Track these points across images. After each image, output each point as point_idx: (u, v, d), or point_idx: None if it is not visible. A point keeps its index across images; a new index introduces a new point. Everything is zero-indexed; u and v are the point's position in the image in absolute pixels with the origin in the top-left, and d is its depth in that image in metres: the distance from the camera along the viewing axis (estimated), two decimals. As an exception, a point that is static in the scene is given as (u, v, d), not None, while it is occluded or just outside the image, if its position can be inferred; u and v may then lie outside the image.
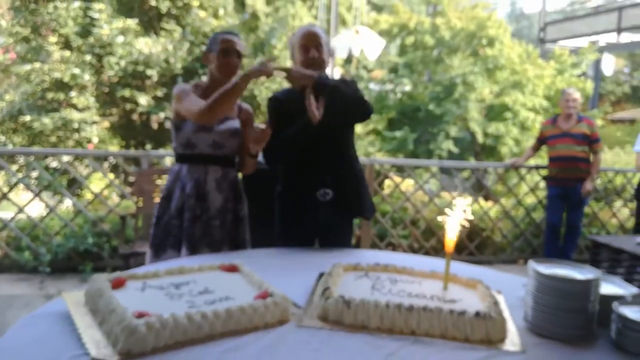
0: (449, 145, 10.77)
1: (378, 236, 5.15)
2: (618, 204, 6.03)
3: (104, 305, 1.26)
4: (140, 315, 1.19)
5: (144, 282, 1.47)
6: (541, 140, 4.95)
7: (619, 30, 16.20)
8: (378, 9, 17.69)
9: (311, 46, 2.24)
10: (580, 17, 19.11)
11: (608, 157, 11.41)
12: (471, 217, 1.52)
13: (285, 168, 2.39)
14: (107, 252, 4.46)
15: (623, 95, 23.87)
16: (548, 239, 4.99)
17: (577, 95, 4.72)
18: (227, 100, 2.06)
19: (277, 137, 2.22)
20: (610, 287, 1.50)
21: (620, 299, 1.38)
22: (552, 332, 1.33)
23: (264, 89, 7.50)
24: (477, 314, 1.30)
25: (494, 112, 10.95)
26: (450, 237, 1.50)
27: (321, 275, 1.68)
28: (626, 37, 16.45)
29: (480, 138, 10.78)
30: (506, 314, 1.45)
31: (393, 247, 5.14)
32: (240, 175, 2.41)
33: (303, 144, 2.23)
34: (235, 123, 2.30)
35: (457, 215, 1.49)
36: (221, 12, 7.98)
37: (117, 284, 1.41)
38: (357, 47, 8.17)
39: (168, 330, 1.17)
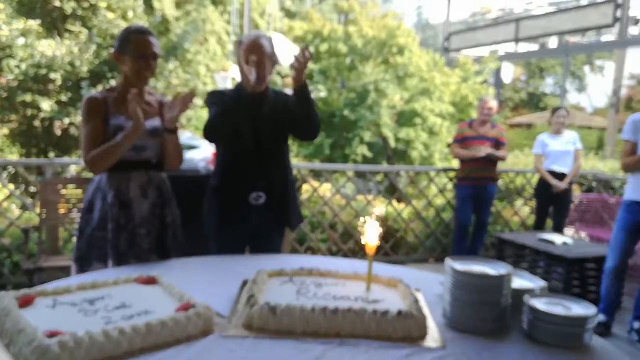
0: (363, 150, 11.04)
1: (298, 241, 5.16)
2: (519, 203, 6.45)
3: (11, 325, 1.18)
4: (52, 335, 1.12)
5: (54, 299, 1.38)
6: (459, 141, 5.17)
7: (517, 40, 17.42)
8: (291, 15, 17.83)
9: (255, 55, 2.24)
10: (481, 28, 20.36)
11: (508, 160, 12.17)
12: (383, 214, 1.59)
13: (223, 162, 2.37)
14: (8, 268, 4.14)
15: (521, 101, 25.70)
16: (458, 237, 5.24)
17: (493, 103, 5.05)
18: (110, 159, 2.01)
19: (216, 112, 2.22)
20: (520, 281, 1.60)
21: (530, 292, 1.48)
22: (470, 326, 1.39)
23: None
24: (400, 313, 1.34)
25: (405, 118, 11.34)
26: (372, 241, 1.54)
27: (245, 283, 1.66)
28: (523, 47, 17.74)
29: (392, 143, 11.14)
30: (426, 311, 1.51)
31: (312, 251, 5.17)
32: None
33: (237, 121, 2.23)
34: (154, 122, 2.13)
35: (374, 221, 1.54)
36: (130, 14, 7.71)
37: (25, 302, 1.32)
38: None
39: (83, 349, 1.11)
